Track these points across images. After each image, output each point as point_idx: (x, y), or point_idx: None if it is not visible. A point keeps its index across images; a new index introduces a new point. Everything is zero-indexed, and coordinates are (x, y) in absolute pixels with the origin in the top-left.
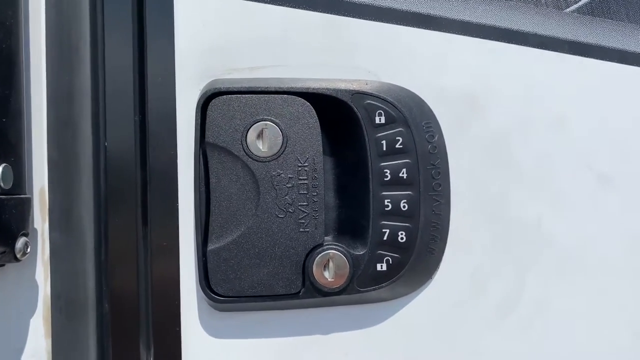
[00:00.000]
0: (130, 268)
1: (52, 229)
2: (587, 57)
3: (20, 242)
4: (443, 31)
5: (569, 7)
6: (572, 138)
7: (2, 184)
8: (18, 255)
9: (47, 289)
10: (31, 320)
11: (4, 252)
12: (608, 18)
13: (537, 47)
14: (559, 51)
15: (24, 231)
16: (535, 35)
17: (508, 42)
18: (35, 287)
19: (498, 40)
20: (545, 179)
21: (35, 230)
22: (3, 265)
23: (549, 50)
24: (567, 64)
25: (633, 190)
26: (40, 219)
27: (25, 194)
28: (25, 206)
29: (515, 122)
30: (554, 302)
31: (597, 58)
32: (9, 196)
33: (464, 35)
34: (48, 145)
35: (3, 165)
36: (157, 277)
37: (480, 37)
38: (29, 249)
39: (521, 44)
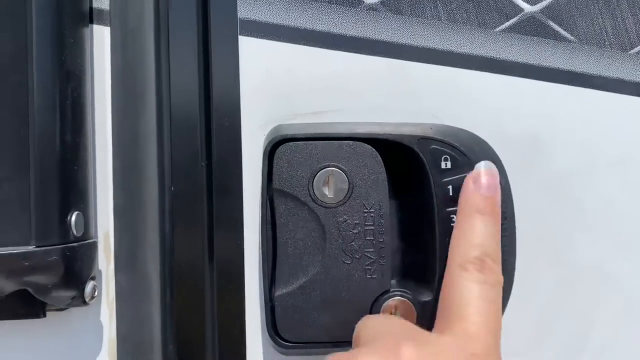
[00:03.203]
0: (195, 311)
1: (117, 271)
2: None
3: (89, 287)
4: (505, 74)
5: (633, 48)
6: (636, 181)
7: (74, 232)
8: (87, 299)
9: (112, 331)
10: None
11: (74, 297)
12: None
13: (601, 89)
14: (623, 93)
15: (91, 275)
16: (600, 77)
17: (571, 84)
18: (100, 329)
19: (560, 83)
20: (610, 222)
21: (100, 272)
22: (68, 307)
23: (612, 92)
24: (631, 105)
25: None
26: (105, 261)
27: (92, 239)
28: (93, 251)
29: (578, 164)
30: (620, 348)
31: None
32: (80, 243)
33: (526, 77)
34: (114, 189)
35: (76, 213)
36: (223, 320)
37: (543, 80)
38: (96, 293)
39: (584, 86)
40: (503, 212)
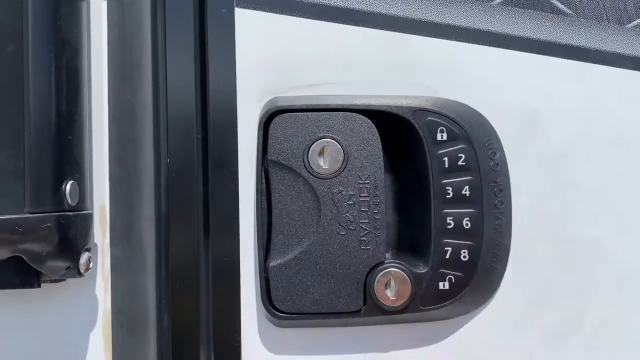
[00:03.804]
0: (190, 283)
1: (112, 244)
2: None
3: (84, 258)
4: (503, 47)
5: (631, 22)
6: (633, 157)
7: (69, 201)
8: (82, 271)
9: (107, 303)
10: (91, 334)
11: (69, 267)
12: None
13: (599, 63)
14: (622, 67)
15: (87, 246)
16: (597, 51)
17: (568, 58)
18: (95, 301)
19: (558, 57)
20: (607, 198)
21: (96, 245)
22: (64, 279)
23: (610, 66)
24: (629, 80)
25: None
26: (101, 234)
27: (88, 210)
28: (88, 222)
29: (576, 139)
30: (616, 321)
31: None
32: (75, 213)
33: (523, 51)
34: (110, 161)
35: (70, 182)
36: (218, 292)
37: (540, 53)
38: (91, 264)
39: (582, 60)
40: (499, 185)
